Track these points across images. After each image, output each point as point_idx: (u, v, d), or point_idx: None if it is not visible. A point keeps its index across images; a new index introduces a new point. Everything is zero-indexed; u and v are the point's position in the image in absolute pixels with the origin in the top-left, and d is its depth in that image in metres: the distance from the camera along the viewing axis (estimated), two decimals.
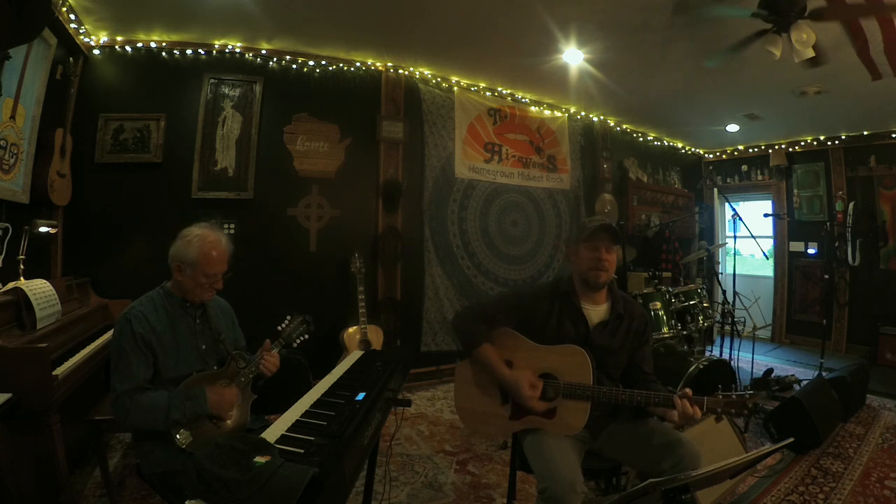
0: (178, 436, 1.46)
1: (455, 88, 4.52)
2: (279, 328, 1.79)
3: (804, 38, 2.63)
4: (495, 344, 1.78)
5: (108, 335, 2.41)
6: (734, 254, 5.50)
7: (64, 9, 2.89)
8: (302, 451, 1.17)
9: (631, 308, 1.82)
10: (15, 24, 1.84)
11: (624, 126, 5.87)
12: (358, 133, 4.09)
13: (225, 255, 1.66)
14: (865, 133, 5.33)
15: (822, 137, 5.65)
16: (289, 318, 1.83)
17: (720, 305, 4.11)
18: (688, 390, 1.55)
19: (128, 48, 3.45)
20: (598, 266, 1.72)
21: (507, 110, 4.83)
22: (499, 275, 4.75)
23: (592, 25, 3.30)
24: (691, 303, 3.55)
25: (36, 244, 2.68)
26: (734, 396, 1.52)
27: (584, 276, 1.77)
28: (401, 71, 4.24)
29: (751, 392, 1.53)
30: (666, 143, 6.37)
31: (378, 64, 4.16)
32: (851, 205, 5.37)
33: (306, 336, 1.83)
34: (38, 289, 2.20)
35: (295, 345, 1.79)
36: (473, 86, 4.62)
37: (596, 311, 1.79)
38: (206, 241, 1.62)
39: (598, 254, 1.72)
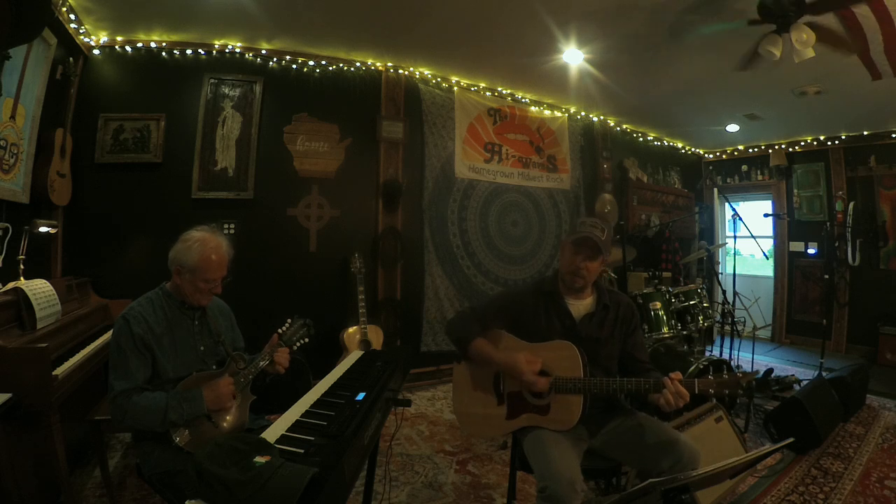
0: (175, 436, 1.46)
1: (455, 88, 4.52)
2: (280, 331, 1.79)
3: (804, 38, 2.64)
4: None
5: (108, 335, 2.40)
6: (734, 254, 5.49)
7: (64, 9, 2.89)
8: (302, 451, 1.17)
9: (616, 298, 1.87)
10: (15, 24, 1.84)
11: (624, 126, 5.86)
12: (358, 133, 4.09)
13: (225, 260, 1.66)
14: (865, 133, 5.33)
15: (822, 137, 5.65)
16: (289, 321, 1.83)
17: (720, 305, 4.11)
18: (677, 373, 1.57)
19: (128, 48, 3.44)
20: (576, 272, 1.78)
21: (507, 110, 4.83)
22: (499, 275, 4.74)
23: (592, 25, 3.30)
24: (691, 303, 3.55)
25: (36, 244, 2.68)
26: (726, 375, 1.54)
27: (563, 276, 1.84)
28: (401, 71, 4.24)
29: (743, 371, 1.54)
30: (666, 143, 6.37)
31: (378, 64, 4.16)
32: (851, 205, 5.37)
33: (306, 339, 1.83)
34: (38, 289, 2.20)
35: (295, 347, 1.78)
36: (473, 86, 4.62)
37: (581, 305, 1.84)
38: (207, 246, 1.61)
39: (577, 260, 1.77)
